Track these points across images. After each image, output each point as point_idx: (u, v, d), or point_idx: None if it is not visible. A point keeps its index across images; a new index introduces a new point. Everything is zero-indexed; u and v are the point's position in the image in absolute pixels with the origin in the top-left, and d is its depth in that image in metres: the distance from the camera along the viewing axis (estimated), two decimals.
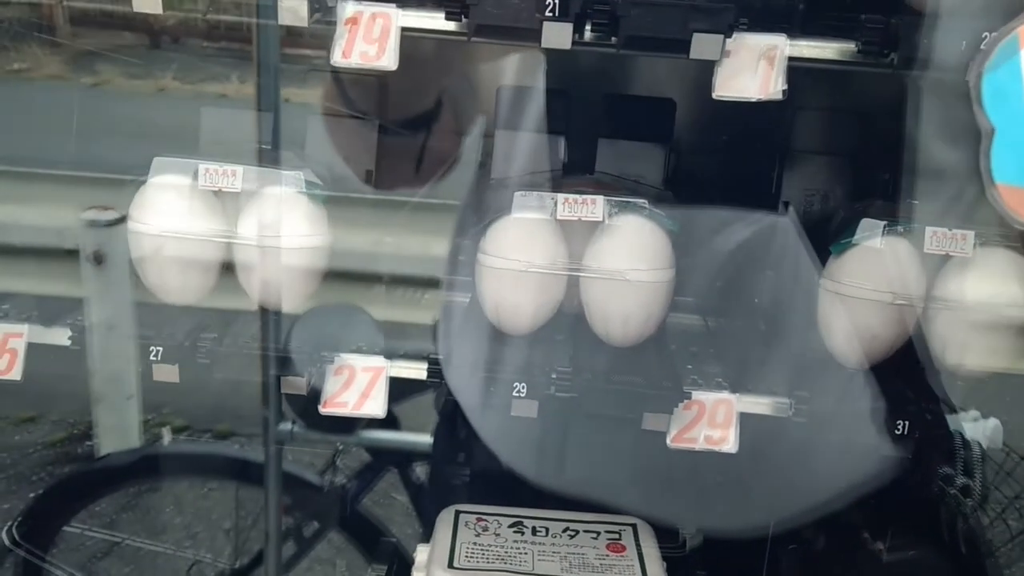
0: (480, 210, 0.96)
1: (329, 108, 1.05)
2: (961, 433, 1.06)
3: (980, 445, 1.03)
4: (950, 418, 1.03)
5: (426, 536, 0.96)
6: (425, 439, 1.81)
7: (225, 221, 0.80)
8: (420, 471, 1.90)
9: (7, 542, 1.89)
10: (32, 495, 2.59)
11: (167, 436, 2.79)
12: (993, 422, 1.23)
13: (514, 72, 0.98)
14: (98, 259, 2.53)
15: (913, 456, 0.87)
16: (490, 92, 0.98)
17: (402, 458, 1.88)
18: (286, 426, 1.67)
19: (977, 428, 1.18)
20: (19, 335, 0.82)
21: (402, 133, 1.07)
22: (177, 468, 2.05)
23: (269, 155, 0.88)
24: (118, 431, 2.72)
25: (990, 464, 1.16)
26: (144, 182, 0.80)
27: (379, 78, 1.02)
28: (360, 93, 1.04)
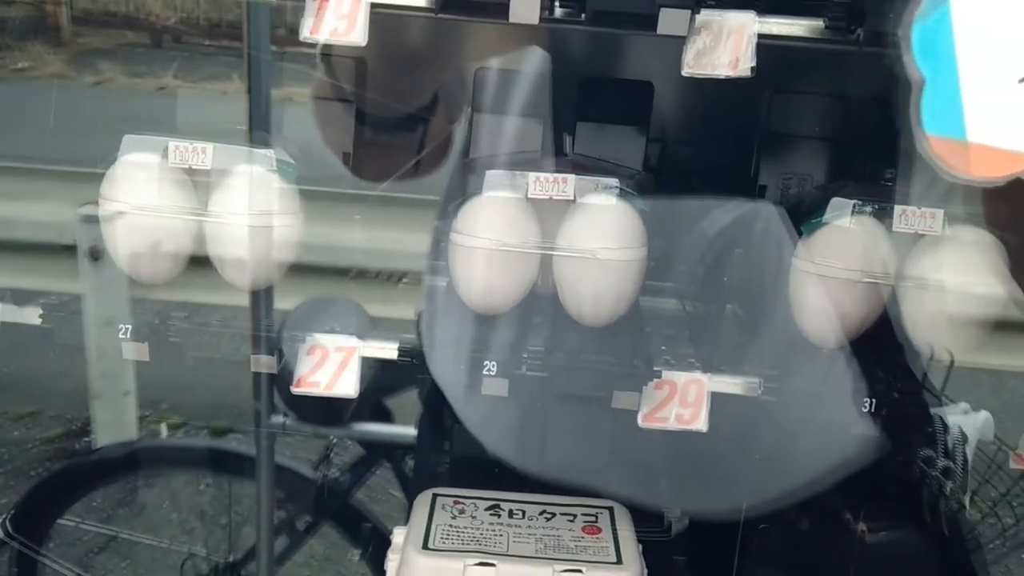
0: (458, 193, 0.96)
1: (321, 100, 1.05)
2: (942, 416, 1.06)
3: (961, 428, 1.03)
4: (931, 401, 1.02)
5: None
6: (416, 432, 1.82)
7: (196, 200, 0.80)
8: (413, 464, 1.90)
9: (1, 534, 1.90)
10: (29, 485, 2.60)
11: (164, 432, 2.80)
12: (984, 415, 1.23)
13: (500, 57, 0.98)
14: (95, 255, 2.53)
15: (893, 437, 0.87)
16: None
17: (395, 451, 1.88)
18: (278, 418, 1.68)
19: (968, 421, 1.17)
20: None
21: (395, 124, 1.07)
22: (170, 461, 2.06)
23: (258, 138, 0.88)
24: (115, 427, 2.73)
25: (981, 458, 1.16)
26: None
27: (359, 63, 1.02)
28: (351, 83, 1.04)
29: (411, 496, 1.85)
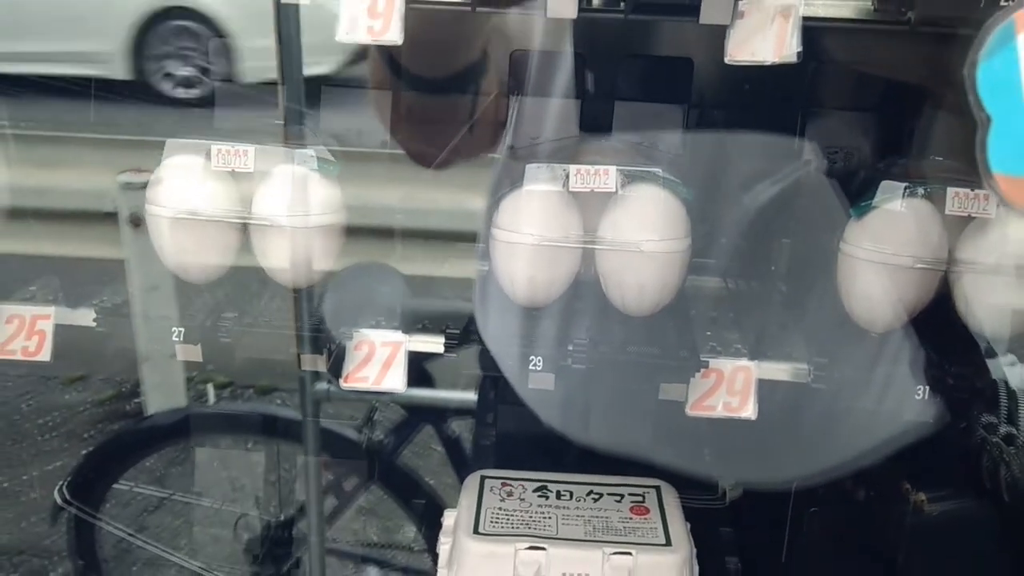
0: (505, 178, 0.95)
1: (375, 78, 1.03)
2: (1006, 381, 1.05)
3: None
4: (992, 365, 1.01)
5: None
6: (459, 395, 1.84)
7: (240, 199, 0.80)
8: (455, 427, 1.93)
9: (59, 501, 1.96)
10: (83, 452, 2.68)
11: (211, 393, 2.85)
12: None
13: (537, 36, 0.95)
14: (135, 221, 2.56)
15: (953, 407, 0.85)
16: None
17: (437, 414, 1.91)
18: (322, 385, 1.70)
19: (1014, 373, 1.16)
20: (47, 317, 0.84)
21: (441, 104, 1.04)
22: (220, 426, 2.11)
23: (292, 131, 0.88)
24: (164, 389, 2.78)
25: None
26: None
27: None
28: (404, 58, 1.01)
29: (456, 460, 1.89)
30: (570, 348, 0.81)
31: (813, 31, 0.73)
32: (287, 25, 0.91)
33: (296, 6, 0.91)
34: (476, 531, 0.89)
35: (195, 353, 0.83)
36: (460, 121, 1.03)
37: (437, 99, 1.01)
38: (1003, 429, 1.01)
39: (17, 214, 0.97)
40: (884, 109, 0.93)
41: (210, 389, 2.90)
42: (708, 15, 0.70)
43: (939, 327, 0.80)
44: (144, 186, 0.78)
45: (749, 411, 0.81)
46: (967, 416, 0.96)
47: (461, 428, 1.92)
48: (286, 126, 0.91)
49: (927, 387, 0.79)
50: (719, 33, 0.73)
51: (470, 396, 1.45)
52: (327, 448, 1.89)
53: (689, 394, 0.80)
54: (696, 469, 1.03)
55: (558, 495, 0.96)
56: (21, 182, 0.99)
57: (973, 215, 0.75)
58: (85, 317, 0.84)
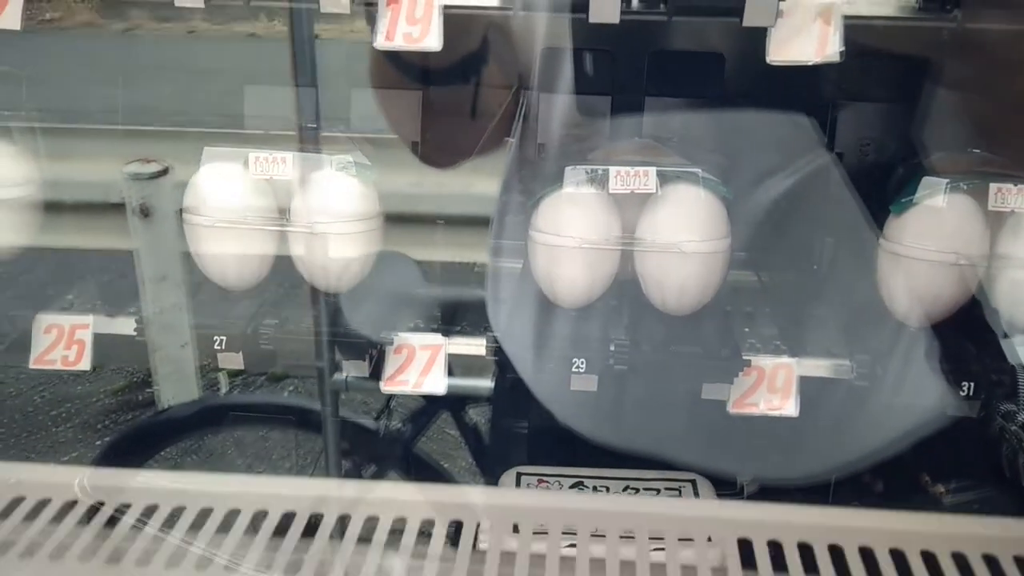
0: (526, 174, 0.95)
1: (376, 74, 1.02)
2: None
3: None
4: (1009, 350, 1.01)
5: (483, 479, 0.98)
6: (477, 383, 1.84)
7: (276, 204, 0.80)
8: (473, 414, 1.93)
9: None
10: (100, 444, 2.69)
11: (224, 382, 2.85)
12: None
13: (539, 31, 0.94)
14: (144, 212, 2.55)
15: (984, 397, 0.85)
16: (528, 46, 0.95)
17: (455, 402, 1.91)
18: (340, 376, 1.70)
19: None
20: (85, 326, 0.84)
21: (448, 91, 1.03)
22: (236, 417, 2.11)
23: (311, 133, 0.87)
24: (176, 378, 2.78)
25: None
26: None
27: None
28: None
29: (474, 447, 1.89)
30: (611, 349, 0.81)
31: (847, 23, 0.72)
32: (300, 28, 0.90)
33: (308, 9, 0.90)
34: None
35: (236, 360, 0.83)
36: (463, 115, 1.02)
37: (438, 91, 1.01)
38: (1022, 418, 1.01)
39: (26, 206, 0.96)
40: (918, 101, 0.92)
41: (223, 378, 2.90)
42: (752, 18, 0.69)
43: (962, 317, 0.80)
44: (152, 176, 0.77)
45: (790, 409, 0.81)
46: (991, 396, 0.95)
47: (479, 415, 1.93)
48: (302, 129, 0.90)
49: (972, 384, 0.79)
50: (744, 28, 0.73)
51: (487, 383, 1.45)
52: (345, 436, 1.89)
53: (730, 392, 0.80)
54: (713, 464, 1.03)
55: (595, 491, 0.96)
56: (24, 174, 0.98)
57: (1016, 210, 0.74)
58: (125, 326, 0.84)
